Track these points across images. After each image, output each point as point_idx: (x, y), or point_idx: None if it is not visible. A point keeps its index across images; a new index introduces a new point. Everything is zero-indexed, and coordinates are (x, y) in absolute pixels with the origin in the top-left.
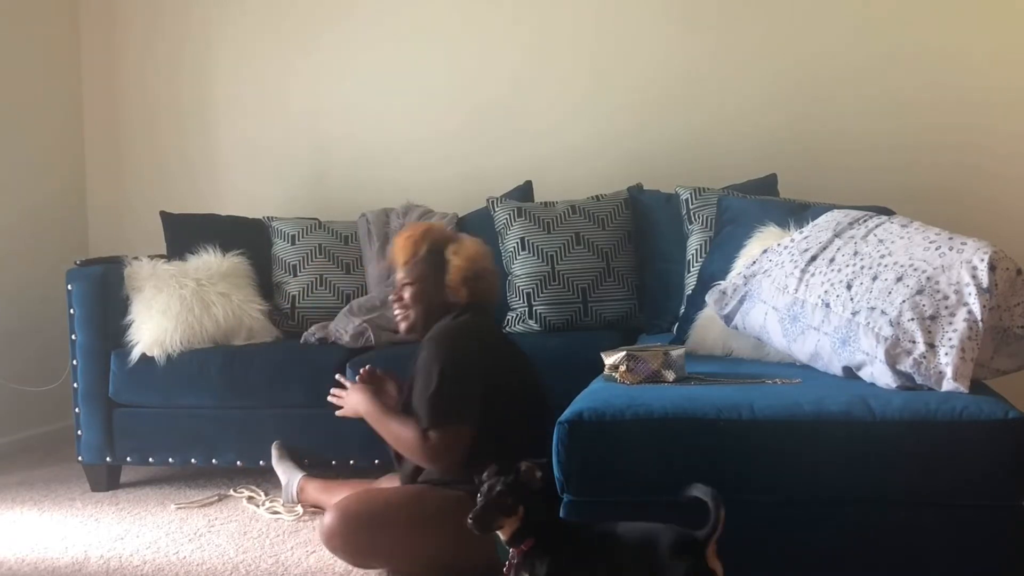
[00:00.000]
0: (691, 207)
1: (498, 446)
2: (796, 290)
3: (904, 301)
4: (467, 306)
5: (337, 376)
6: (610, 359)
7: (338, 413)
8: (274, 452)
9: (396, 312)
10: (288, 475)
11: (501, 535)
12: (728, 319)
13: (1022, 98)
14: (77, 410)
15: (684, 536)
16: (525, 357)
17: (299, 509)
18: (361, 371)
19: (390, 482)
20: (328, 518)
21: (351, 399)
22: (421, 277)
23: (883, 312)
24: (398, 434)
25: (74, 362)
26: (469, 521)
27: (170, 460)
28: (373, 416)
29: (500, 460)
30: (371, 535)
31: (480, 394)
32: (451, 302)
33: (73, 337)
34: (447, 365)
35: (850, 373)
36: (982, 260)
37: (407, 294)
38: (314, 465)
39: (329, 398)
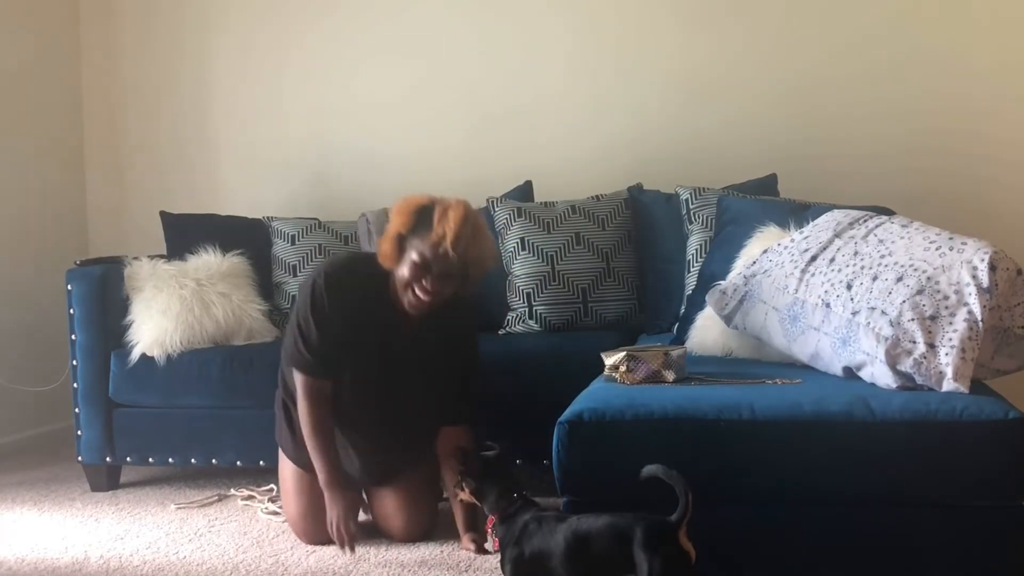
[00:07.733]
0: (691, 207)
1: None
2: (796, 290)
3: (904, 301)
4: None
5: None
6: (610, 359)
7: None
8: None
9: (424, 297)
10: None
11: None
12: (728, 319)
13: (1023, 100)
14: (77, 410)
15: (657, 524)
16: None
17: None
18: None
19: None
20: None
21: None
22: (460, 285)
23: (883, 312)
24: None
25: (74, 362)
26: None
27: (170, 460)
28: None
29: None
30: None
31: None
32: None
33: (73, 337)
34: None
35: (850, 373)
36: (982, 260)
37: (448, 289)
38: None
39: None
